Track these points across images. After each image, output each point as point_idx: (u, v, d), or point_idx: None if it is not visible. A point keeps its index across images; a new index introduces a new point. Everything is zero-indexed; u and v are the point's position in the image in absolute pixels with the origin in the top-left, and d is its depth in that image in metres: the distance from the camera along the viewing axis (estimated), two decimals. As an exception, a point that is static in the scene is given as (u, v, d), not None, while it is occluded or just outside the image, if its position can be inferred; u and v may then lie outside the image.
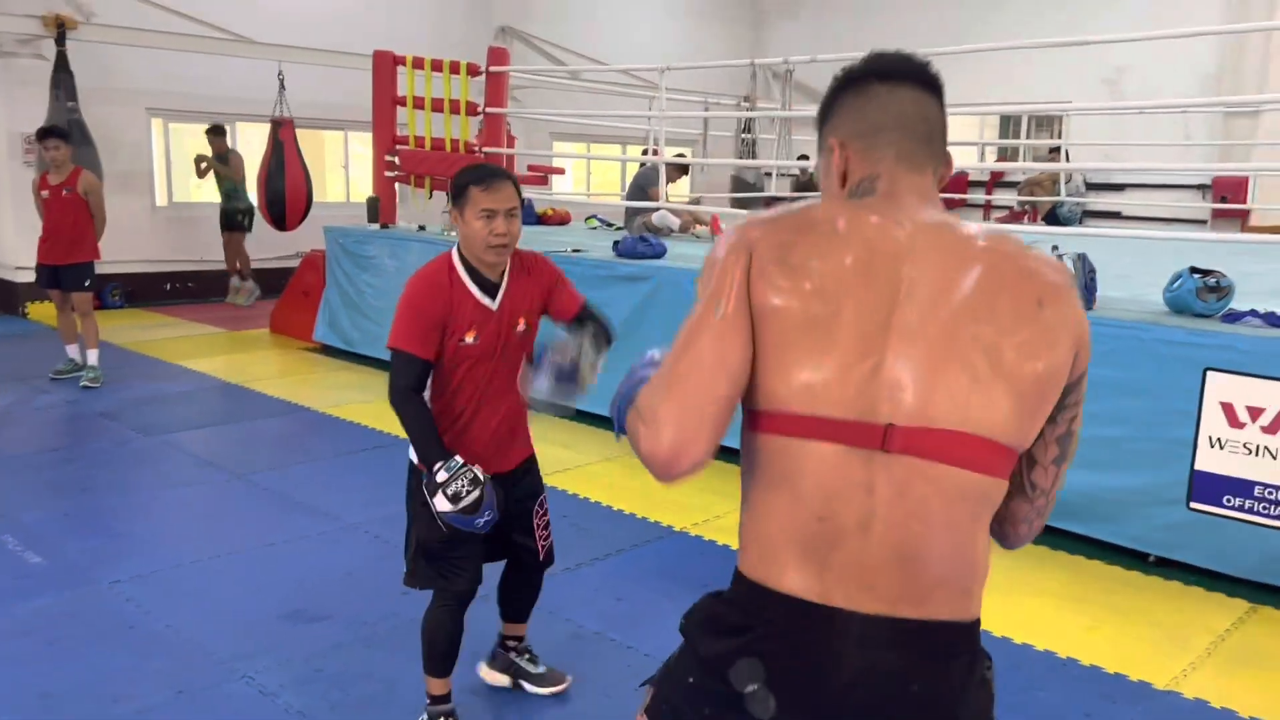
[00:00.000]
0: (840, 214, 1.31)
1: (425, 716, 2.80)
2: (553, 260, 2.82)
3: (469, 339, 2.58)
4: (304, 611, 3.59)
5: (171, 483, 5.04)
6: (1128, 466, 4.10)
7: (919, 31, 12.17)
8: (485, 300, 2.60)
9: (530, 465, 2.88)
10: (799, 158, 13.91)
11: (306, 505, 4.69)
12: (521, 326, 2.65)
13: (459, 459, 2.49)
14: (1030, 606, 3.76)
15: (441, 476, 2.45)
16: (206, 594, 3.73)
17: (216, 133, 10.00)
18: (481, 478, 2.47)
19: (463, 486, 2.44)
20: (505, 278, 2.65)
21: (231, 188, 10.08)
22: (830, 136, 1.38)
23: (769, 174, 12.91)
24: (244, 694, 3.03)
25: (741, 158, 12.30)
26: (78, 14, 9.23)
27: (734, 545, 3.75)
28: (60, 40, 9.05)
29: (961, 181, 13.72)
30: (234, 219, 10.11)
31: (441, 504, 2.46)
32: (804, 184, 13.07)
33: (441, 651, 2.76)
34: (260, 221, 10.01)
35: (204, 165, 10.04)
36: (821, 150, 1.41)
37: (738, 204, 11.57)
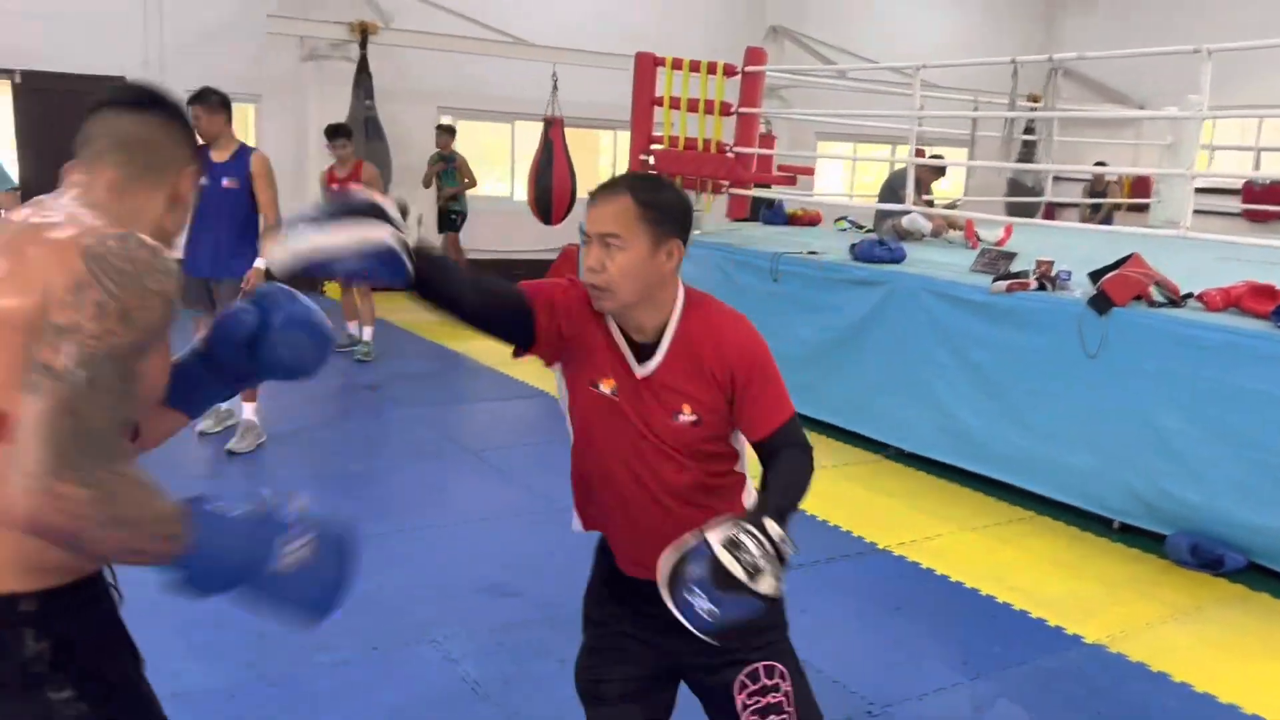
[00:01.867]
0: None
1: None
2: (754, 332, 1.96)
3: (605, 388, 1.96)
4: (500, 586, 3.77)
5: (412, 454, 5.45)
6: None
7: (1228, 27, 11.00)
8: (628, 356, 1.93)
9: None
10: (1096, 164, 12.94)
11: (526, 485, 4.92)
12: (688, 416, 1.91)
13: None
14: (1267, 671, 3.33)
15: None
16: (415, 559, 4.00)
17: (448, 132, 10.33)
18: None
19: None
20: (666, 335, 1.90)
21: (455, 190, 10.37)
22: None
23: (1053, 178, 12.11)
24: (429, 657, 3.24)
25: (1020, 160, 11.63)
26: (379, 20, 10.13)
27: (939, 570, 3.59)
28: (363, 44, 9.98)
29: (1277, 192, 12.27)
30: (449, 219, 10.41)
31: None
32: (1098, 190, 12.15)
33: None
34: (528, 214, 10.56)
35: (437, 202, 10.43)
36: None
37: (1013, 209, 10.93)
